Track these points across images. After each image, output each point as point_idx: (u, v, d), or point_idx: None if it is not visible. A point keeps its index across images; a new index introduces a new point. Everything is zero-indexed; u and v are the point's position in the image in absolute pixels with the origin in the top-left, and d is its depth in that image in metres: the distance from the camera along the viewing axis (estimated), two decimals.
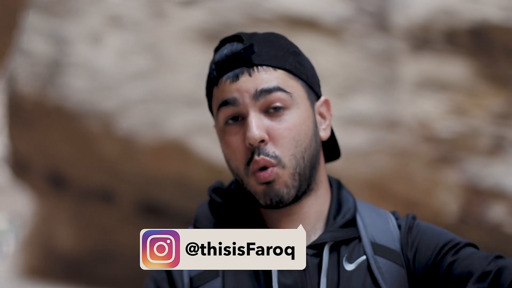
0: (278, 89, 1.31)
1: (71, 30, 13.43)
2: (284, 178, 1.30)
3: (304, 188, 1.34)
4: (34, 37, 14.32)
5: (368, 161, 11.25)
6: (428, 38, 10.02)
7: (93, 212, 16.37)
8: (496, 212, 8.16)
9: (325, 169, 1.43)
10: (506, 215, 8.08)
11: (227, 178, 1.49)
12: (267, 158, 1.29)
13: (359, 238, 1.35)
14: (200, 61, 12.42)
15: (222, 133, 1.37)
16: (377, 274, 1.31)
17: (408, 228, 1.37)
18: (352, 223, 1.37)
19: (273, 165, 1.29)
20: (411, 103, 10.06)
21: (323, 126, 1.41)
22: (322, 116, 1.41)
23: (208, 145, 12.16)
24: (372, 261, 1.32)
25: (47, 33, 13.91)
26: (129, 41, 12.67)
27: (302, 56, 1.44)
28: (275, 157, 1.29)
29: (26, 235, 20.70)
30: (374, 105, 10.59)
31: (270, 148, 1.30)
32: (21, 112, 15.24)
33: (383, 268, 1.31)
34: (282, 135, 1.30)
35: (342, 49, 10.72)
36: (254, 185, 1.33)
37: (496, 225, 8.05)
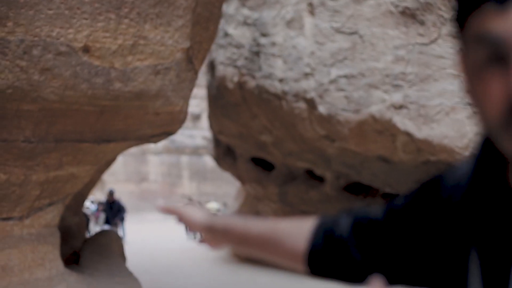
0: None
1: (269, 18, 13.70)
2: None
3: None
4: (235, 26, 14.71)
5: None
6: None
7: (297, 193, 16.66)
8: None
9: None
10: None
11: None
12: None
13: None
14: None
15: (474, 74, 1.08)
16: None
17: None
18: None
19: None
20: None
21: None
22: None
23: None
24: None
25: (247, 22, 14.24)
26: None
27: None
28: None
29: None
30: None
31: None
32: (224, 98, 15.72)
33: None
34: None
35: None
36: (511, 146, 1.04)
37: None
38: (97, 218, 23.87)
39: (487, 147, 1.17)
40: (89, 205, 25.00)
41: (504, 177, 1.14)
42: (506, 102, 1.01)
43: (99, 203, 25.23)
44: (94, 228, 21.56)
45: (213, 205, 30.22)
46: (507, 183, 1.12)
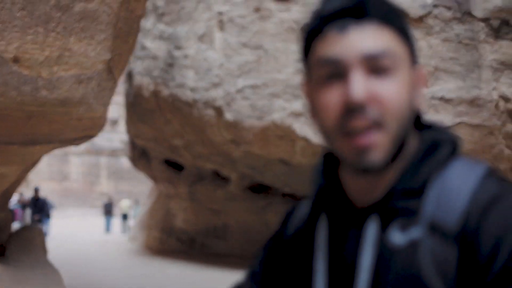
0: (388, 49, 1.10)
1: (183, 33, 13.84)
2: (382, 144, 1.09)
3: (394, 155, 1.12)
4: (151, 39, 14.79)
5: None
6: (510, 23, 9.71)
7: (205, 192, 16.84)
8: None
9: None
10: None
11: None
12: (368, 122, 1.07)
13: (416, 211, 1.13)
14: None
15: (316, 90, 1.15)
16: (425, 260, 1.08)
17: (483, 211, 1.07)
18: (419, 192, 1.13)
19: (373, 130, 1.08)
20: (493, 83, 9.89)
21: (417, 95, 1.17)
22: (417, 84, 1.17)
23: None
24: (424, 243, 1.09)
25: (163, 36, 14.33)
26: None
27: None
28: (377, 121, 1.08)
29: (146, 215, 21.42)
30: (458, 85, 10.48)
31: (372, 111, 1.07)
32: (140, 105, 15.81)
33: (437, 254, 1.07)
34: (388, 98, 1.08)
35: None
36: (345, 148, 1.11)
37: None
38: (15, 214, 23.54)
39: (325, 160, 1.27)
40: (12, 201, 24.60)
41: (336, 175, 1.24)
42: (342, 107, 1.08)
43: (21, 200, 24.84)
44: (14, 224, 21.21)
45: (125, 203, 30.25)
46: (338, 179, 1.23)
